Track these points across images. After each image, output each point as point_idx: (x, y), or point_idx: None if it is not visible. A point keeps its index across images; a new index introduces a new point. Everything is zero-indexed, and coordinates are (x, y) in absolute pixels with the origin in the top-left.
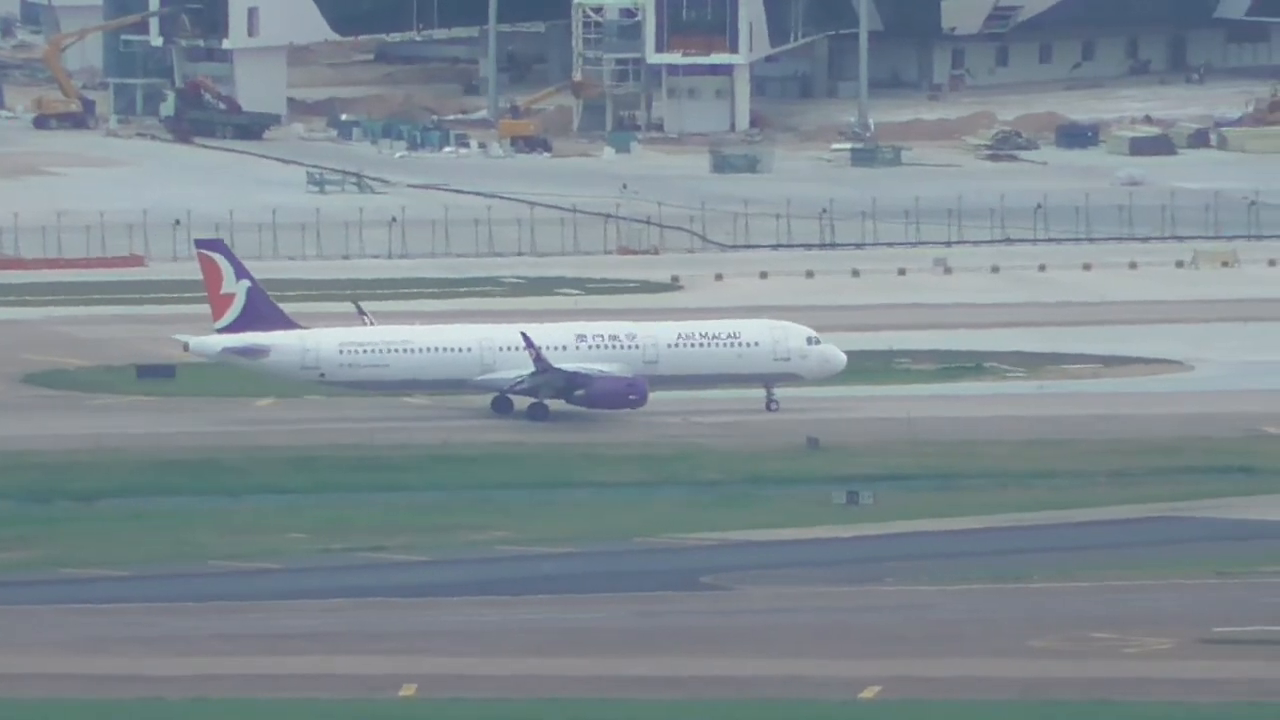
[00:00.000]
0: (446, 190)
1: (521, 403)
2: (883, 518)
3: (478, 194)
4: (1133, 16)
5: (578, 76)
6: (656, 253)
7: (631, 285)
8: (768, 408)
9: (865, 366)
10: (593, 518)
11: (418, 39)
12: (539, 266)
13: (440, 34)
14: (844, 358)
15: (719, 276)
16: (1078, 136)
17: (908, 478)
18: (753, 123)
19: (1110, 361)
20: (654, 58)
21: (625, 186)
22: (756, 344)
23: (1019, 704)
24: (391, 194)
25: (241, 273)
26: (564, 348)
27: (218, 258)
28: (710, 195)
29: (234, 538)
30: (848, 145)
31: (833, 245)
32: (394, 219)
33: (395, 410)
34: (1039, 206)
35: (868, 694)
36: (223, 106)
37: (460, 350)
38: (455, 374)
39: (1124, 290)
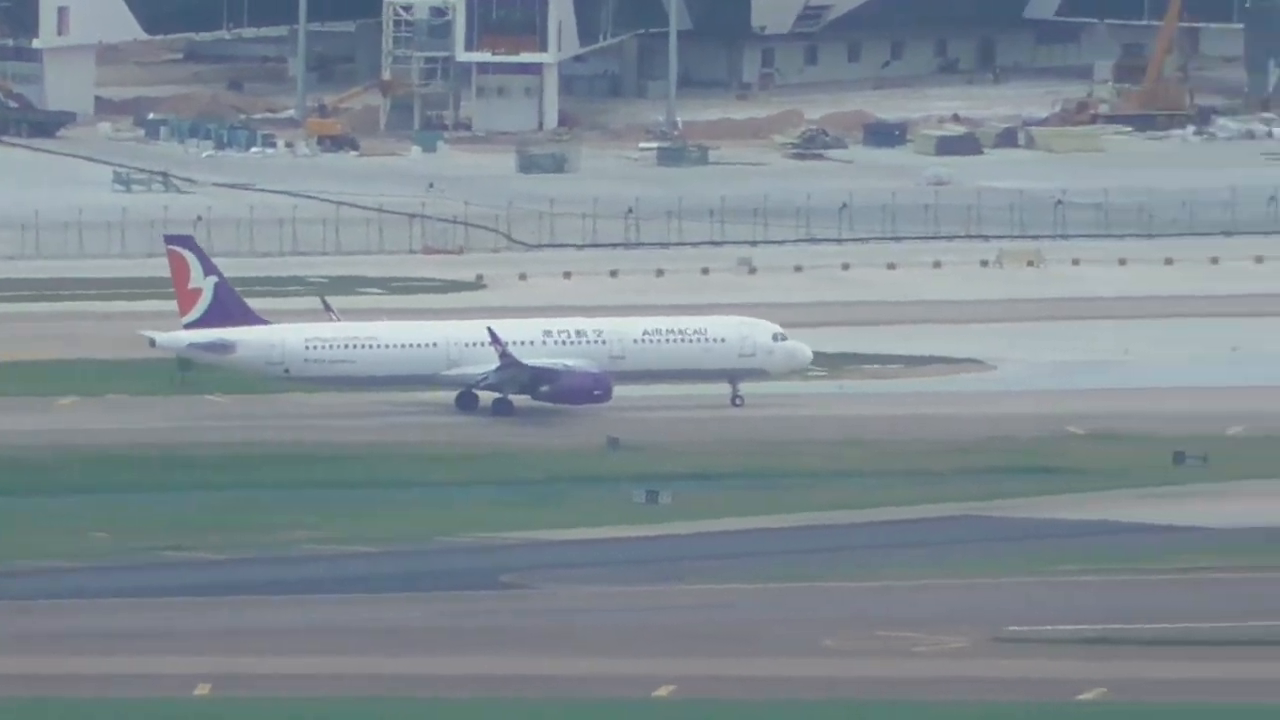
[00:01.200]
0: (252, 189)
1: (486, 398)
2: (682, 517)
3: (284, 193)
4: (942, 16)
5: (386, 75)
6: (461, 252)
7: (436, 285)
8: (733, 403)
9: None
10: (398, 517)
11: (227, 38)
12: (344, 266)
13: (250, 33)
14: (809, 353)
15: (523, 276)
16: (885, 136)
17: (709, 477)
18: (561, 122)
19: (913, 361)
20: (463, 56)
21: (432, 186)
22: (723, 340)
23: (813, 703)
24: (198, 193)
25: (209, 269)
26: (531, 343)
27: (186, 253)
28: (517, 194)
29: (36, 537)
30: (655, 144)
31: (638, 245)
32: (199, 218)
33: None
34: (844, 206)
35: (662, 692)
36: (14, 104)
37: (426, 346)
38: (421, 370)
39: (929, 290)
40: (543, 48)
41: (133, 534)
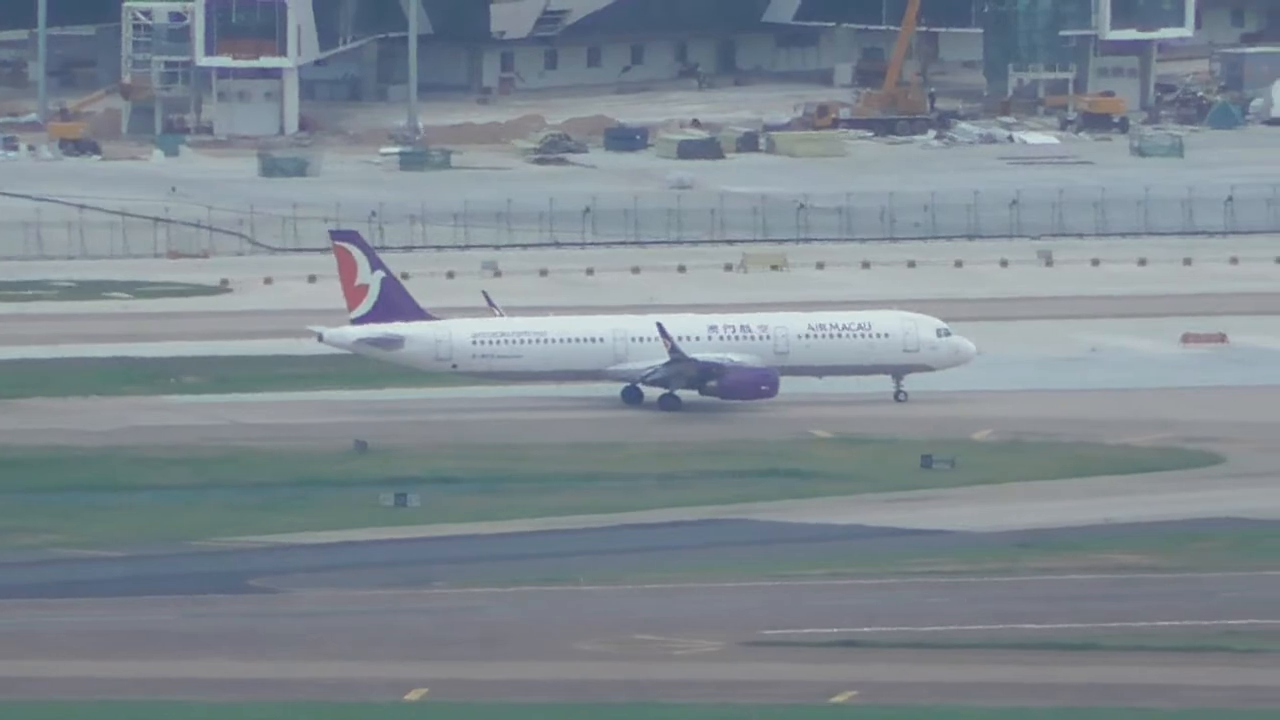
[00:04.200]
0: None
1: (652, 393)
2: (431, 520)
3: (26, 197)
4: (682, 20)
5: (127, 79)
6: (206, 256)
7: (181, 289)
8: (896, 398)
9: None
10: (144, 520)
11: None
12: (89, 270)
13: None
14: (974, 349)
15: (268, 280)
16: (626, 140)
17: (458, 480)
18: (302, 126)
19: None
20: (203, 60)
21: (175, 189)
22: (887, 335)
23: (567, 706)
24: None
25: (376, 264)
26: (696, 338)
27: (353, 249)
28: (260, 198)
29: None
30: (397, 149)
31: (382, 249)
32: None
33: None
34: (588, 210)
35: (413, 696)
36: None
37: (593, 340)
38: (588, 364)
39: (673, 293)
40: (282, 52)
41: None
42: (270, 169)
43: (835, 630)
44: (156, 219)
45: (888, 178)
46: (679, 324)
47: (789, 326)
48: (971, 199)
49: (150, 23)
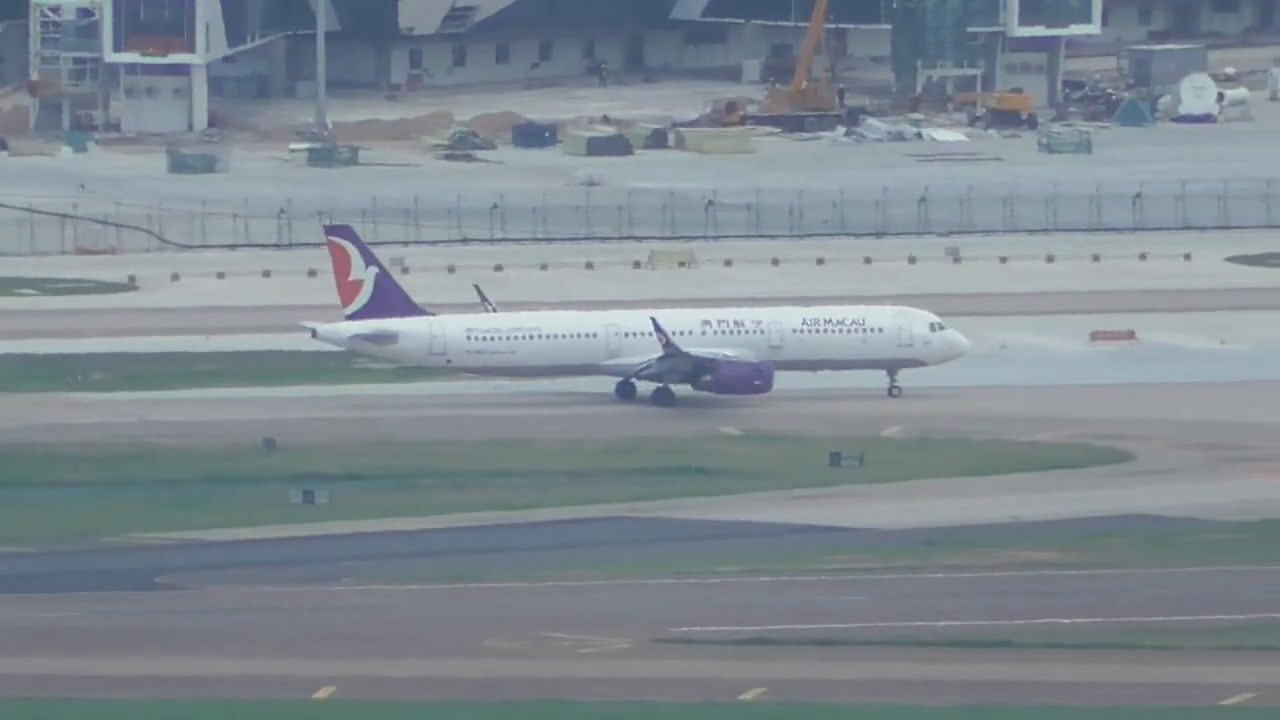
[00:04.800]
0: None
1: (645, 388)
2: (340, 517)
3: None
4: (590, 17)
5: (34, 76)
6: (114, 253)
7: (89, 285)
8: (890, 393)
9: (323, 366)
10: (52, 517)
11: None
12: None
13: None
14: (968, 344)
15: (176, 277)
16: (535, 136)
17: (366, 477)
18: (211, 122)
19: None
20: (112, 57)
21: (83, 186)
22: (881, 330)
23: (476, 704)
24: None
25: (370, 259)
26: (690, 333)
27: (346, 244)
28: (168, 195)
29: None
30: (305, 145)
31: (291, 245)
32: None
33: None
34: (495, 206)
35: (322, 694)
36: None
37: (586, 336)
38: (582, 359)
39: (581, 290)
40: (191, 49)
41: None
42: (178, 166)
43: (744, 628)
44: (64, 215)
45: (796, 174)
46: (673, 319)
47: (783, 321)
48: (880, 196)
49: (58, 19)
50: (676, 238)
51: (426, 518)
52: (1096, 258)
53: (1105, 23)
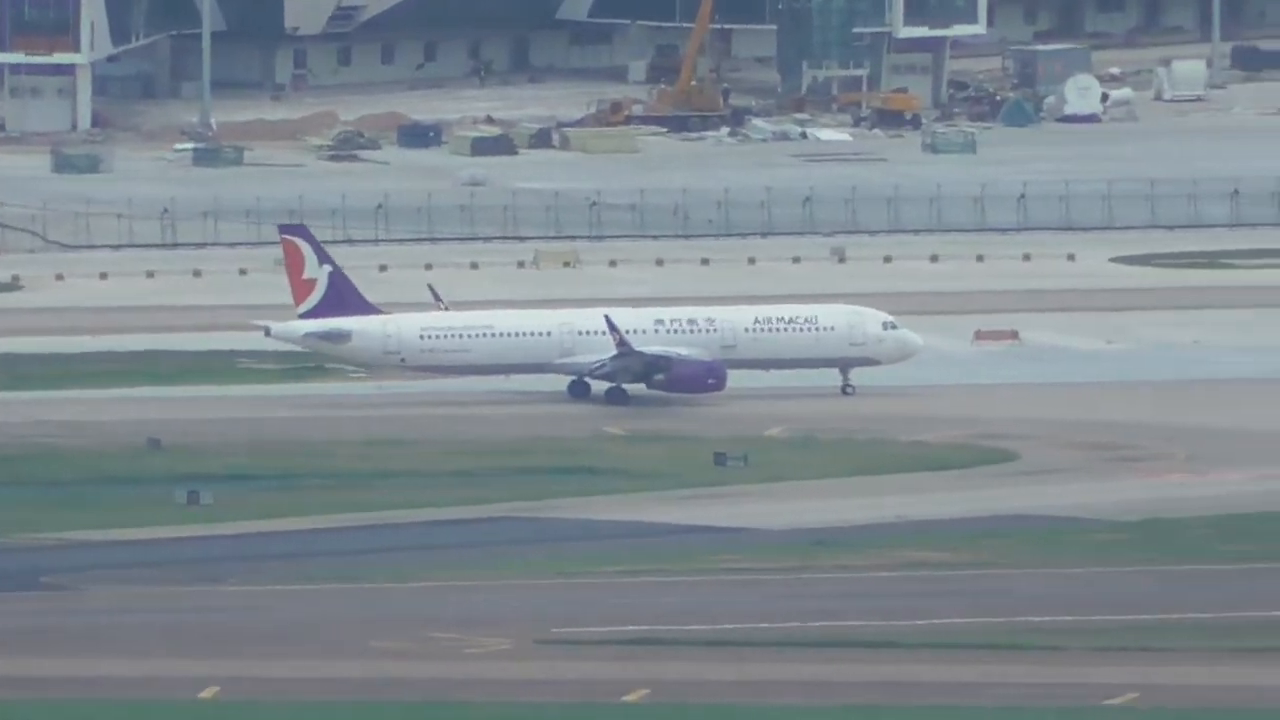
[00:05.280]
0: None
1: (600, 387)
2: (224, 518)
3: None
4: (476, 17)
5: None
6: None
7: None
8: (843, 392)
9: (209, 366)
10: None
11: None
12: None
13: None
14: (921, 342)
15: (60, 277)
16: (420, 136)
17: (251, 477)
18: (95, 122)
19: None
20: None
21: None
22: (833, 329)
23: (362, 704)
24: None
25: (324, 258)
26: (643, 332)
27: (300, 243)
28: (52, 195)
29: None
30: (190, 145)
31: (175, 245)
32: None
33: None
34: (380, 206)
35: (207, 694)
36: None
37: (540, 334)
38: (535, 358)
39: (466, 290)
40: (75, 48)
41: None
42: (63, 165)
43: (628, 628)
44: None
45: (681, 174)
46: (626, 317)
47: (736, 320)
48: (765, 196)
49: None
50: (561, 238)
51: (311, 518)
52: (980, 258)
53: (990, 23)
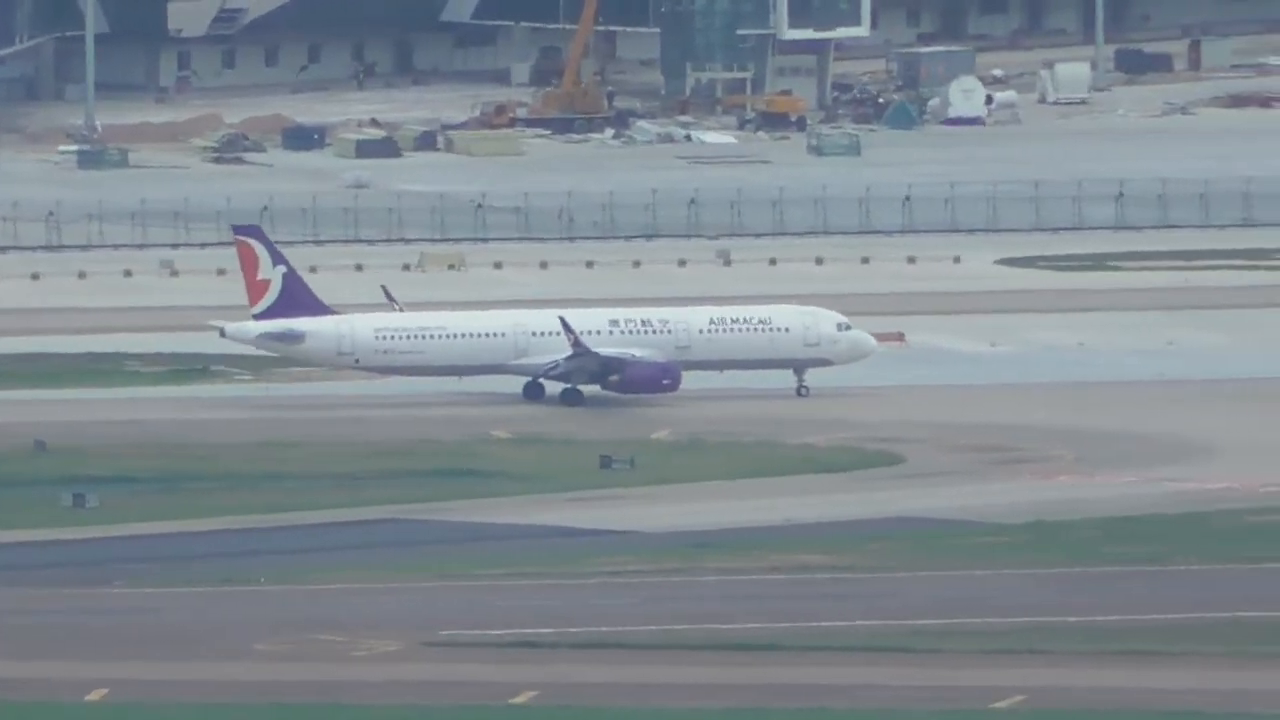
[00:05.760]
0: None
1: (554, 388)
2: (110, 520)
3: None
4: (359, 20)
5: None
6: None
7: None
8: (798, 393)
9: (94, 369)
10: None
11: None
12: None
13: None
14: (874, 343)
15: None
16: (304, 139)
17: (137, 480)
18: None
19: None
20: None
21: None
22: (787, 329)
23: (246, 706)
24: None
25: (278, 259)
26: (597, 332)
27: (254, 244)
28: None
29: None
30: (74, 147)
31: (60, 248)
32: None
33: None
34: (265, 209)
35: (95, 696)
36: None
37: (494, 335)
38: (489, 359)
39: (350, 293)
40: None
41: None
42: None
43: (515, 631)
44: None
45: (566, 177)
46: (581, 318)
47: (690, 321)
48: (649, 198)
49: None
50: (446, 240)
51: (198, 520)
52: (866, 260)
53: (874, 25)
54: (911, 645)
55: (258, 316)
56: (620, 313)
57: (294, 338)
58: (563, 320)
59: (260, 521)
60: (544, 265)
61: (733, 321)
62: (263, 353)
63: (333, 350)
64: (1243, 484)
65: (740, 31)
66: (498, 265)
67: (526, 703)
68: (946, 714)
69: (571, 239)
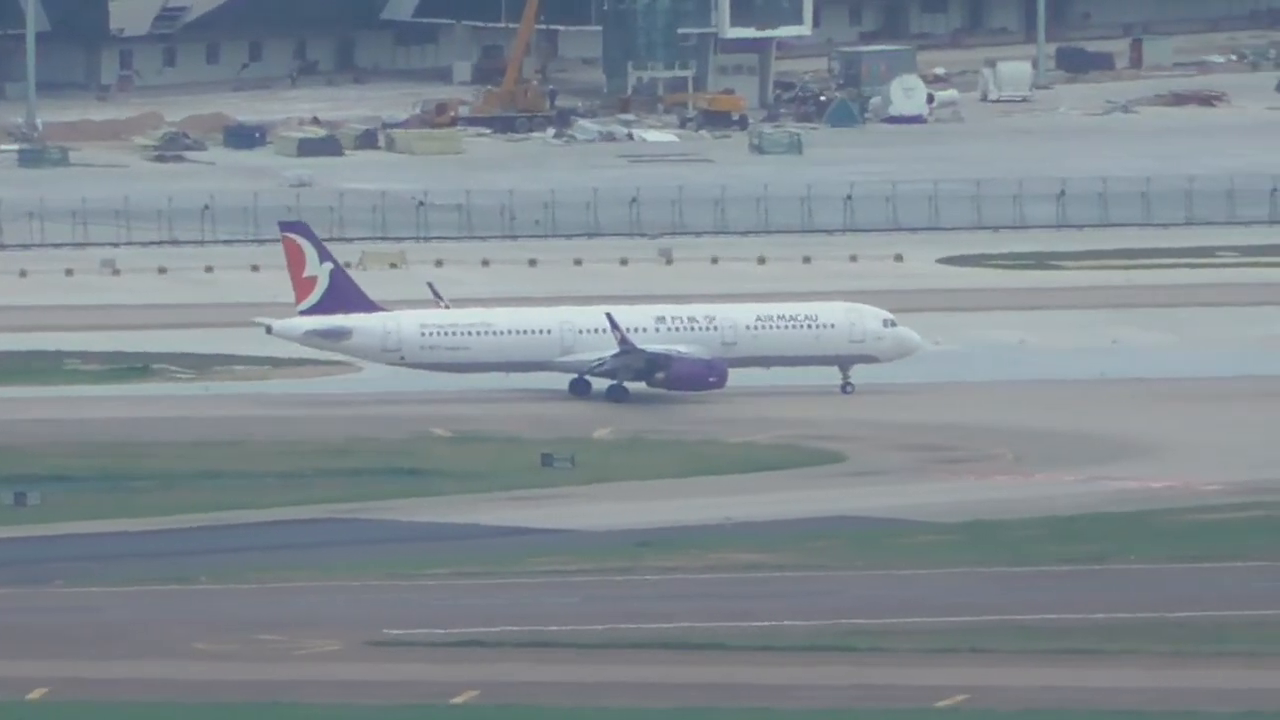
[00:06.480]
0: None
1: (600, 384)
2: (51, 518)
3: None
4: (301, 18)
5: None
6: None
7: None
8: (843, 390)
9: (34, 367)
10: None
11: None
12: None
13: None
14: (920, 340)
15: None
16: (245, 137)
17: (77, 478)
18: None
19: (280, 363)
20: None
21: None
22: (833, 326)
23: (186, 705)
24: None
25: (324, 255)
26: (643, 330)
27: (301, 240)
28: None
29: None
30: (15, 146)
31: (1, 247)
32: None
33: None
34: (207, 208)
35: (35, 695)
36: None
37: (540, 332)
38: (535, 356)
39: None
40: None
41: None
42: None
43: (457, 630)
44: None
45: (507, 175)
46: (627, 315)
47: (736, 318)
48: (591, 197)
49: None
50: (387, 238)
51: (139, 519)
52: (807, 259)
53: (816, 24)
54: (853, 644)
55: (304, 313)
56: (667, 309)
57: (340, 334)
58: (609, 317)
59: (200, 520)
60: (485, 263)
61: (779, 318)
62: (310, 350)
63: (378, 347)
64: (1184, 483)
65: (682, 30)
66: (439, 263)
67: (467, 702)
68: (890, 713)
69: (513, 237)
